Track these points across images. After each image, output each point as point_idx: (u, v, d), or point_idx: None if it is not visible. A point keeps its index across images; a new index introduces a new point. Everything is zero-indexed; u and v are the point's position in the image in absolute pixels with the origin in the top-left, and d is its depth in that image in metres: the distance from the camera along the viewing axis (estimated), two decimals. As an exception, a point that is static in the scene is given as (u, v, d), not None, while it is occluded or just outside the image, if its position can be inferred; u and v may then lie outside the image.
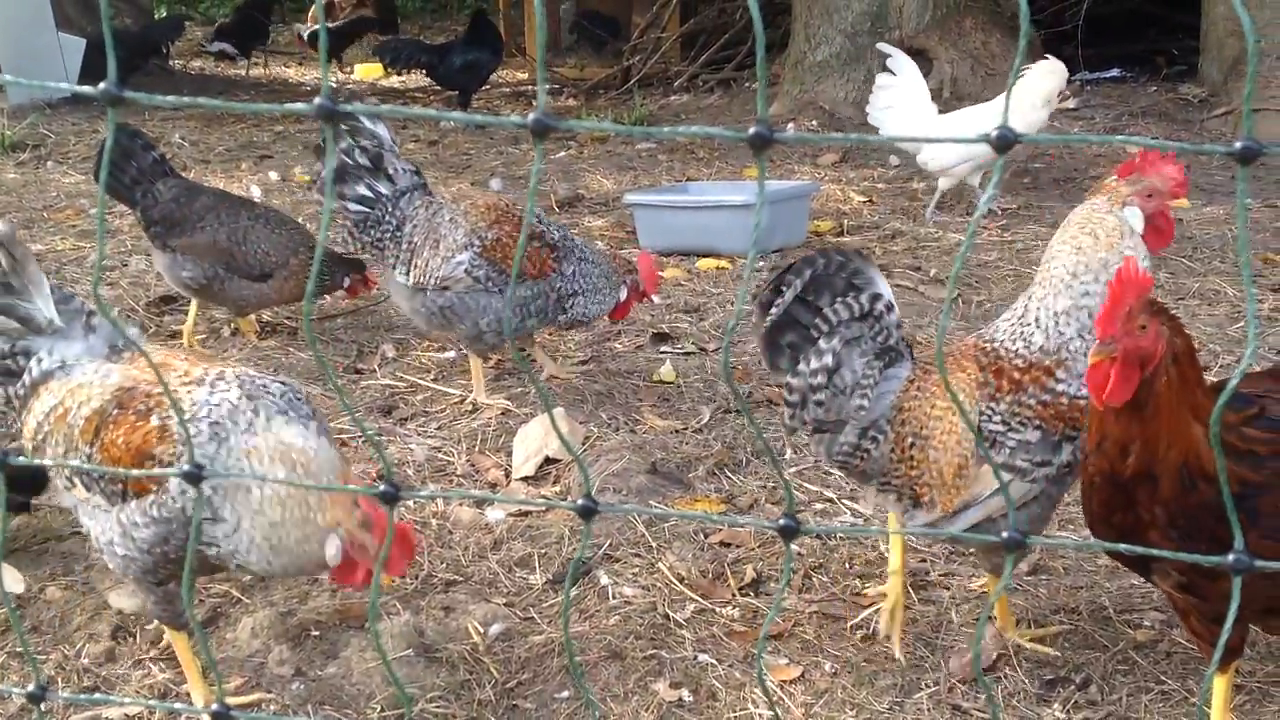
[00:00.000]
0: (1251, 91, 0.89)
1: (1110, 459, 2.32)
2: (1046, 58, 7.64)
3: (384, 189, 4.72)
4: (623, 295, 4.84)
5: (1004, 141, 0.96)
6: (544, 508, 3.81)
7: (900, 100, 7.88)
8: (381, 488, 1.06)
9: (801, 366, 2.93)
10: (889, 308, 2.94)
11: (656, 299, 5.23)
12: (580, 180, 9.13)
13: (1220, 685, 2.53)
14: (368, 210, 4.71)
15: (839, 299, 2.91)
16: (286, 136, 11.06)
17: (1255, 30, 0.91)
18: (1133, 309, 2.25)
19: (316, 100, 1.02)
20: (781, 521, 1.07)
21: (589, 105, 12.85)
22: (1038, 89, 7.51)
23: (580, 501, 1.09)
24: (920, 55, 11.00)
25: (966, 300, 6.20)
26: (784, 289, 2.94)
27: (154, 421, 2.65)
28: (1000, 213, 7.95)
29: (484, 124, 1.05)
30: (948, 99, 10.80)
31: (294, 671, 3.03)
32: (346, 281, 5.47)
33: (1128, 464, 2.29)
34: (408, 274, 4.67)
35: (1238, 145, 0.93)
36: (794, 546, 3.67)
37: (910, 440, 2.90)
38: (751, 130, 0.99)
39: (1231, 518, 1.02)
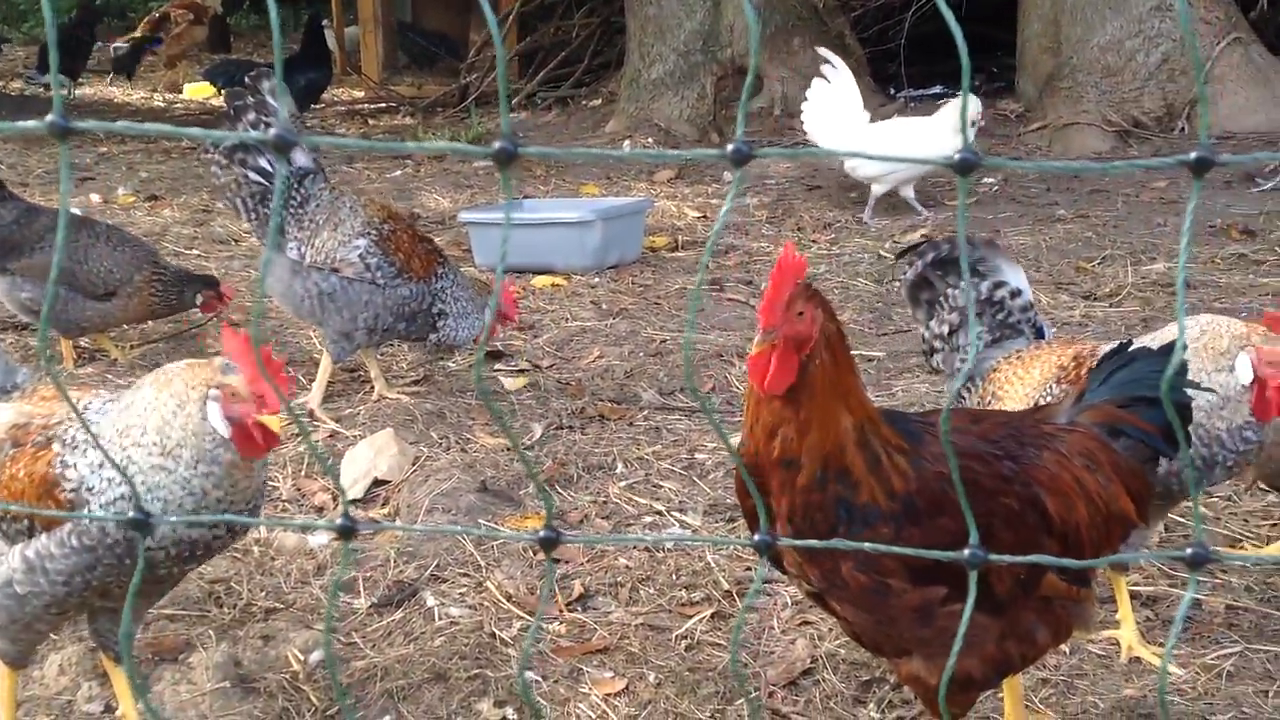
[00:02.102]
0: (966, 105, 0.93)
1: (758, 442, 2.23)
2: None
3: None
4: (487, 319, 4.86)
5: (739, 156, 0.99)
6: (300, 528, 3.75)
7: (832, 108, 8.15)
8: (130, 514, 1.04)
9: (932, 323, 3.56)
10: (1013, 294, 3.41)
11: (515, 320, 5.27)
12: (416, 199, 9.06)
13: (1011, 687, 2.62)
14: (266, 184, 4.73)
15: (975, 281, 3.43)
16: (110, 158, 10.74)
17: (967, 56, 0.95)
18: (792, 296, 2.17)
19: (49, 117, 1.00)
20: (542, 533, 1.08)
21: (426, 123, 12.76)
22: (953, 116, 7.86)
23: (339, 521, 1.08)
24: (752, 73, 11.23)
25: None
26: (918, 259, 3.57)
27: (55, 448, 2.53)
28: (829, 225, 8.13)
29: (227, 140, 1.04)
30: (778, 116, 11.04)
31: (104, 708, 2.94)
32: (200, 299, 5.41)
33: (774, 447, 2.20)
34: (302, 252, 4.72)
35: (957, 157, 0.97)
36: (622, 560, 3.70)
37: (989, 399, 3.29)
38: (497, 145, 1.00)
39: (966, 513, 1.07)
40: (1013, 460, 2.33)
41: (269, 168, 4.73)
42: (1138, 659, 3.10)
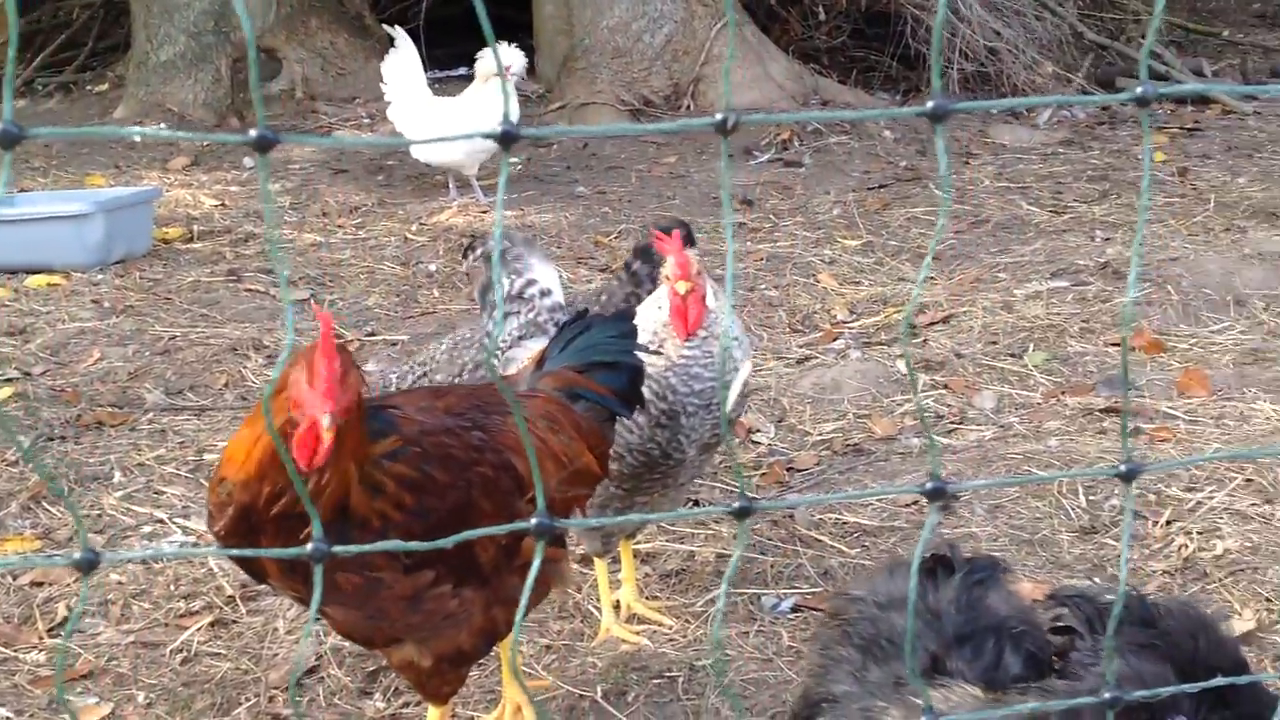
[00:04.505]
0: (505, 84, 0.88)
1: (255, 497, 2.11)
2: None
3: None
4: None
5: (264, 142, 0.91)
6: None
7: (399, 85, 8.02)
8: None
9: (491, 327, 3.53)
10: (543, 293, 3.41)
11: None
12: (-112, 197, 8.10)
13: (505, 657, 2.66)
14: None
15: (509, 278, 3.45)
16: None
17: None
18: (345, 368, 2.04)
19: None
20: None
21: (-95, 112, 11.45)
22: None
23: None
24: (269, 55, 10.85)
25: (319, 299, 6.17)
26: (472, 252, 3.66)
27: None
28: (356, 209, 8.00)
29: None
30: (301, 99, 10.74)
31: None
32: None
33: (280, 504, 2.09)
34: None
35: (499, 130, 0.91)
36: (114, 576, 3.46)
37: None
38: None
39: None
40: (481, 430, 2.35)
41: None
42: (634, 615, 3.23)
